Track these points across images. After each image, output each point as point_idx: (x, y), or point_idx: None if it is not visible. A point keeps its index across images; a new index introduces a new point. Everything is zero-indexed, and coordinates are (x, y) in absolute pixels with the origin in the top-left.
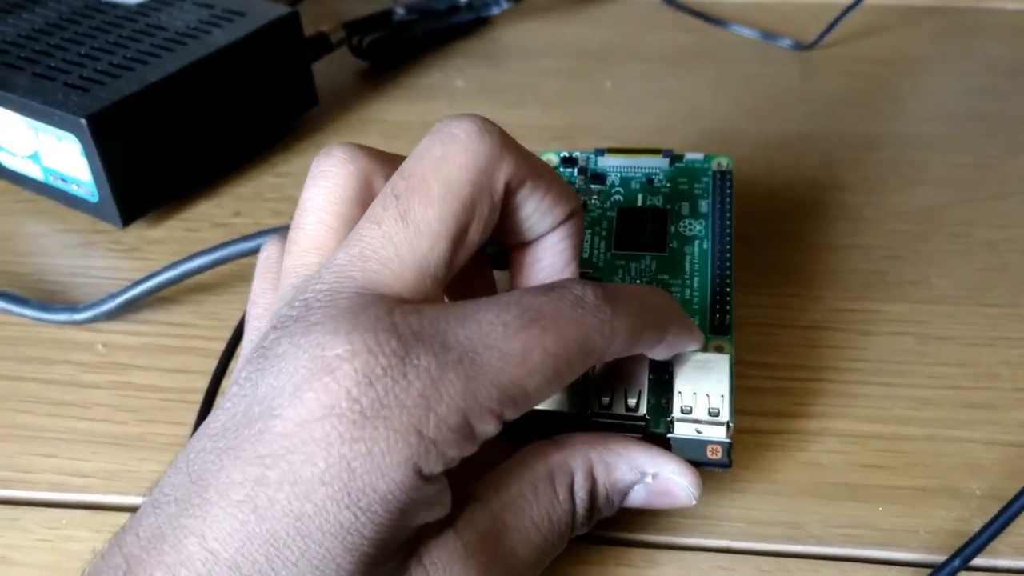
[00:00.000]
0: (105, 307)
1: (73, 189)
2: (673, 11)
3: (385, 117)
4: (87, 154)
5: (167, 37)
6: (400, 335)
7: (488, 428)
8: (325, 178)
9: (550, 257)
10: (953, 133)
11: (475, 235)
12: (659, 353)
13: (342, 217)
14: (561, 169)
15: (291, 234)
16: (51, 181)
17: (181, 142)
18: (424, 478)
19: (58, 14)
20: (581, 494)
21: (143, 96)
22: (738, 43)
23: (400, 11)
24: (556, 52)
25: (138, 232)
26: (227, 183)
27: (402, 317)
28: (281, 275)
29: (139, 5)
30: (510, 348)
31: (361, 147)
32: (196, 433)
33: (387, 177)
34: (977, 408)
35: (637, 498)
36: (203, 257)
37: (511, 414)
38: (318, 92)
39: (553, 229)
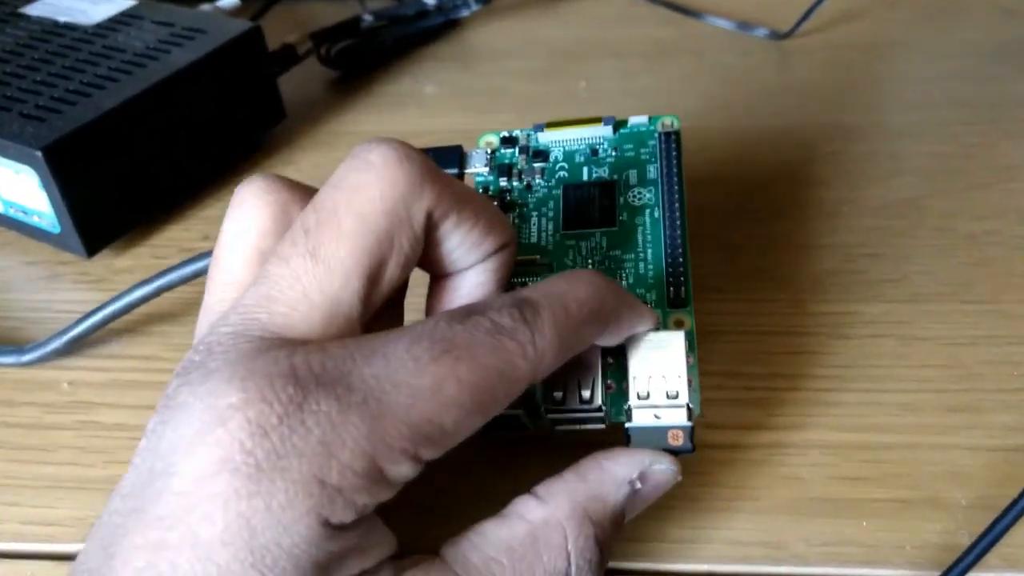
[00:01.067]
0: (52, 346)
1: (35, 221)
2: (647, 4)
3: (355, 128)
4: (45, 186)
5: (125, 59)
6: (298, 379)
7: (402, 470)
8: (241, 210)
9: (468, 288)
10: (932, 121)
11: (394, 270)
12: (607, 341)
13: (259, 250)
14: (501, 149)
15: (210, 270)
16: (11, 214)
17: (144, 167)
18: (334, 528)
19: (14, 40)
20: (581, 543)
21: (101, 123)
22: (714, 35)
23: (368, 18)
24: (528, 52)
25: (105, 261)
26: (194, 205)
27: (303, 359)
28: (204, 311)
29: (96, 26)
30: (420, 383)
31: (280, 178)
32: (112, 492)
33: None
34: (960, 412)
35: (635, 509)
36: (146, 286)
37: (429, 453)
38: (286, 105)
39: (479, 263)
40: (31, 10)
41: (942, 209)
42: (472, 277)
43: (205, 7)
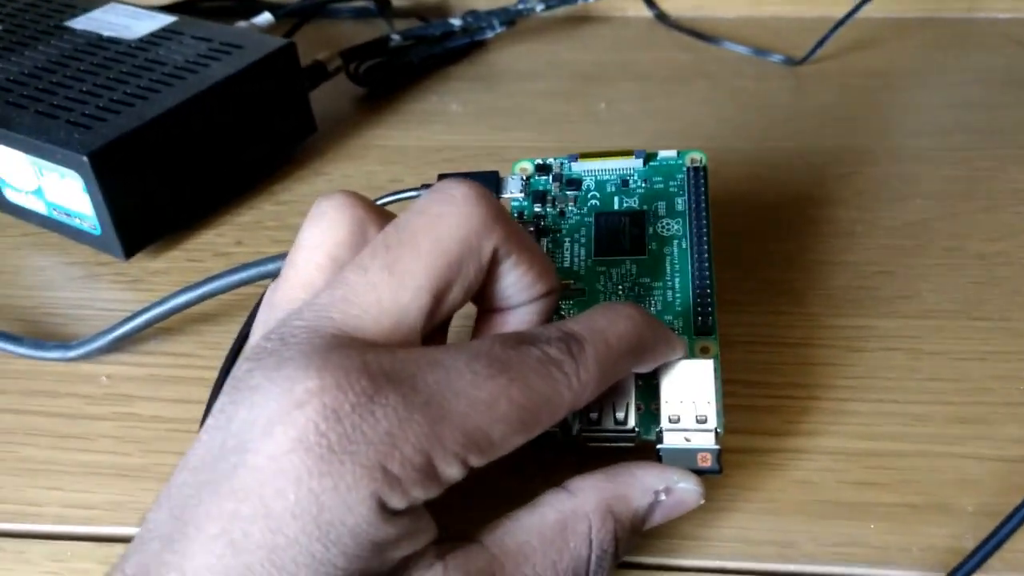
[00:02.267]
0: (96, 344)
1: (76, 223)
2: (666, 29)
3: (382, 142)
4: (89, 190)
5: (166, 72)
6: (370, 374)
7: (452, 472)
8: (322, 219)
9: (515, 325)
10: (944, 146)
11: (458, 294)
12: (641, 369)
13: (333, 258)
14: (536, 176)
15: (284, 270)
16: (55, 215)
17: (182, 174)
18: (389, 513)
19: (60, 52)
20: (602, 535)
21: (143, 132)
22: (731, 60)
23: (396, 37)
24: (550, 74)
25: (141, 263)
26: (228, 212)
27: (375, 357)
28: (270, 307)
29: (139, 40)
30: (477, 395)
31: (360, 196)
32: (178, 466)
33: (380, 228)
34: (969, 423)
35: (655, 518)
36: (190, 292)
37: (476, 461)
38: (317, 119)
39: (526, 304)
40: (76, 24)
41: (952, 230)
42: (519, 315)
43: (241, 24)
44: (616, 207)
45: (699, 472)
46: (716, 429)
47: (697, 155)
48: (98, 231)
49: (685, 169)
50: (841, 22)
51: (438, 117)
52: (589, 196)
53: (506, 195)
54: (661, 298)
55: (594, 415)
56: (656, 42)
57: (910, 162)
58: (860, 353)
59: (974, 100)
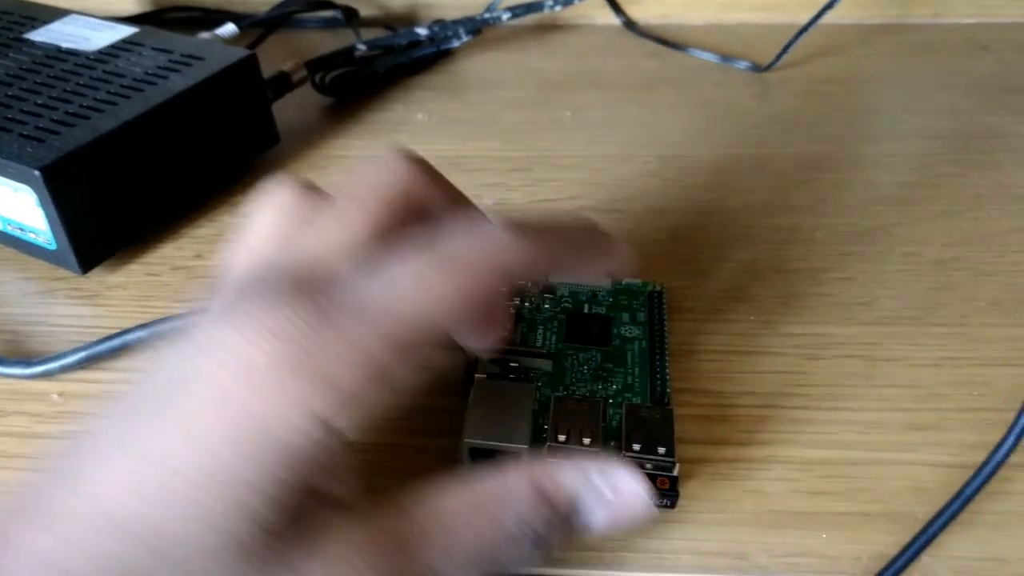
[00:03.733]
0: (59, 363)
1: (31, 238)
2: (634, 37)
3: (346, 152)
4: (43, 205)
5: (124, 84)
6: (304, 290)
7: (396, 369)
8: (267, 196)
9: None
10: (905, 152)
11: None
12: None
13: (281, 230)
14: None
15: (233, 242)
16: (9, 230)
17: (139, 187)
18: (323, 424)
19: (17, 64)
20: (533, 514)
21: (98, 145)
22: (697, 67)
23: (362, 47)
24: (516, 83)
25: (99, 278)
26: (187, 224)
27: (308, 277)
28: (217, 277)
29: (97, 52)
30: (414, 289)
31: (303, 179)
32: (114, 399)
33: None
34: (922, 430)
35: (598, 519)
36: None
37: (419, 352)
38: (280, 130)
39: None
40: (35, 36)
41: (911, 236)
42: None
43: (204, 35)
44: (586, 311)
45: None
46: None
47: (658, 285)
48: (53, 246)
49: (646, 293)
50: (805, 28)
51: (404, 126)
52: (562, 300)
53: None
54: (622, 379)
55: (562, 437)
56: (623, 50)
57: (872, 168)
58: (817, 361)
59: (938, 106)
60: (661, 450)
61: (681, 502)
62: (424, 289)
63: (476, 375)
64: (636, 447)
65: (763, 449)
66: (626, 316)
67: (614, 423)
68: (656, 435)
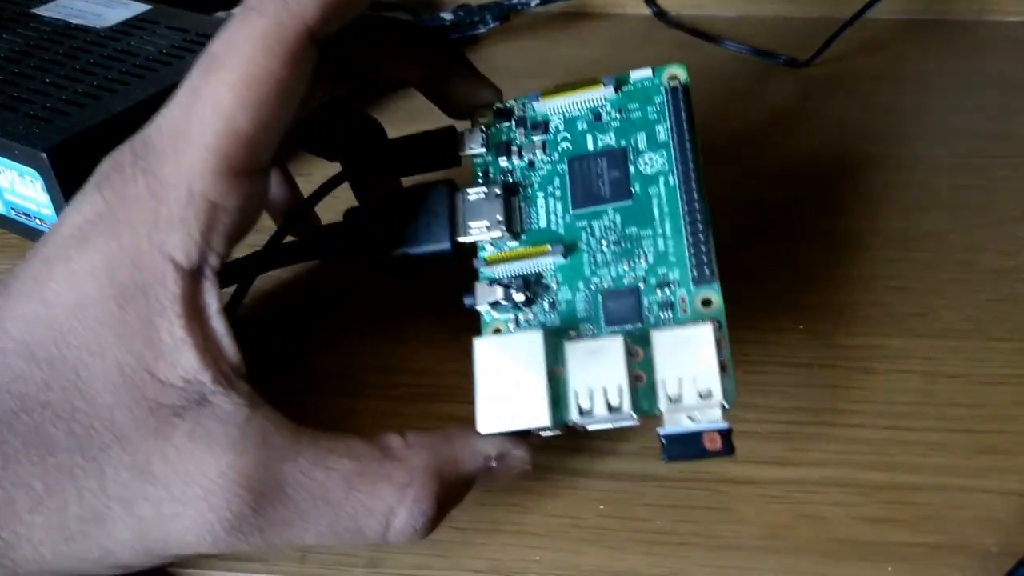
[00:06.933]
0: None
1: (37, 224)
2: (665, 27)
3: None
4: (49, 188)
5: (137, 63)
6: (125, 151)
7: (232, 190)
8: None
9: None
10: (957, 154)
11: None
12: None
13: None
14: (497, 125)
15: None
16: (14, 216)
17: None
18: (184, 273)
19: (25, 40)
20: (422, 493)
21: (107, 127)
22: (731, 60)
23: None
24: (543, 71)
25: None
26: None
27: (132, 141)
28: None
29: (109, 29)
30: (199, 108)
31: None
32: None
33: None
34: (991, 454)
35: (483, 482)
36: None
37: (242, 160)
38: None
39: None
40: (44, 11)
41: (968, 244)
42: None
43: (220, 14)
44: (590, 148)
45: (710, 456)
46: (723, 403)
47: (675, 70)
48: None
49: (663, 91)
50: (849, 22)
51: (428, 115)
52: (559, 139)
53: (467, 152)
54: (652, 248)
55: (585, 405)
56: (654, 40)
57: (920, 170)
58: (871, 375)
59: (986, 106)
60: (705, 396)
61: (730, 526)
62: (209, 109)
63: (475, 339)
64: (676, 398)
65: (818, 470)
66: (642, 139)
67: (651, 321)
68: (696, 369)
